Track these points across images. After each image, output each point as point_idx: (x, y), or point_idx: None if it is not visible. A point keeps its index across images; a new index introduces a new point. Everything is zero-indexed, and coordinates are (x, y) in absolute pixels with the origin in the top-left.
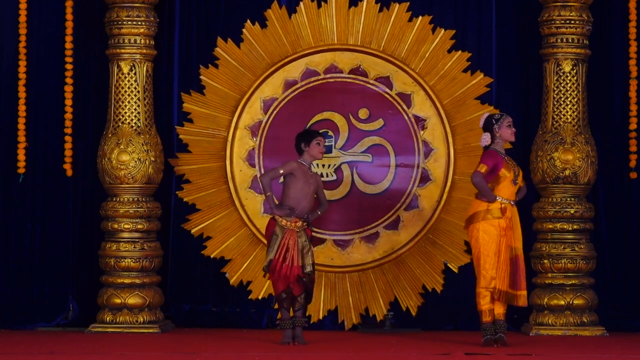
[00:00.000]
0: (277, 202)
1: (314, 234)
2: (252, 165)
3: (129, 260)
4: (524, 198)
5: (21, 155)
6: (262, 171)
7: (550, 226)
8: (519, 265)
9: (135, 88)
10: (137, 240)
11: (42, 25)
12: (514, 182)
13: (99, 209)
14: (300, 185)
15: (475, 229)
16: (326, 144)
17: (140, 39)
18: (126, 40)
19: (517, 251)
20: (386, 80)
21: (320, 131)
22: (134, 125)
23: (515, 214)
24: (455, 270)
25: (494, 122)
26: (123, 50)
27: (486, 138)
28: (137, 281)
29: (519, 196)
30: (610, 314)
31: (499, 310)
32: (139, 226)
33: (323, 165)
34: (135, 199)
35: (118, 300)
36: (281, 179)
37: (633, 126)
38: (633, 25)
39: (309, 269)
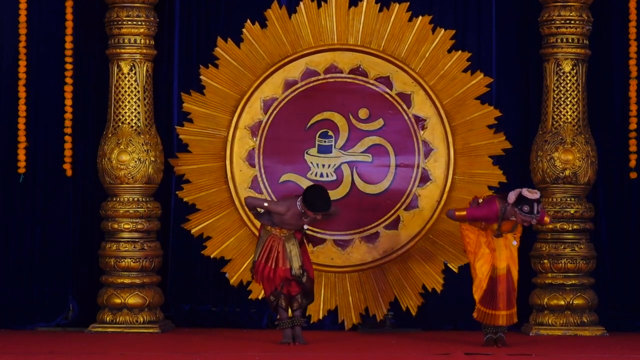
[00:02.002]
0: (260, 212)
1: (313, 233)
2: (252, 165)
3: (129, 260)
4: None
5: (21, 155)
6: (262, 171)
7: (550, 226)
8: (499, 285)
9: (135, 88)
10: (137, 240)
11: (42, 25)
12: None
13: (99, 209)
14: (285, 220)
15: (462, 227)
16: (326, 143)
17: (140, 39)
18: (126, 40)
19: (499, 271)
20: (386, 80)
21: (320, 131)
22: (134, 125)
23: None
24: (455, 270)
25: (520, 208)
26: (123, 50)
27: (513, 199)
28: (137, 281)
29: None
30: (610, 314)
31: None
32: (139, 226)
33: (323, 165)
34: (135, 199)
35: (118, 300)
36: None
37: (633, 126)
38: (633, 25)
39: (296, 271)
